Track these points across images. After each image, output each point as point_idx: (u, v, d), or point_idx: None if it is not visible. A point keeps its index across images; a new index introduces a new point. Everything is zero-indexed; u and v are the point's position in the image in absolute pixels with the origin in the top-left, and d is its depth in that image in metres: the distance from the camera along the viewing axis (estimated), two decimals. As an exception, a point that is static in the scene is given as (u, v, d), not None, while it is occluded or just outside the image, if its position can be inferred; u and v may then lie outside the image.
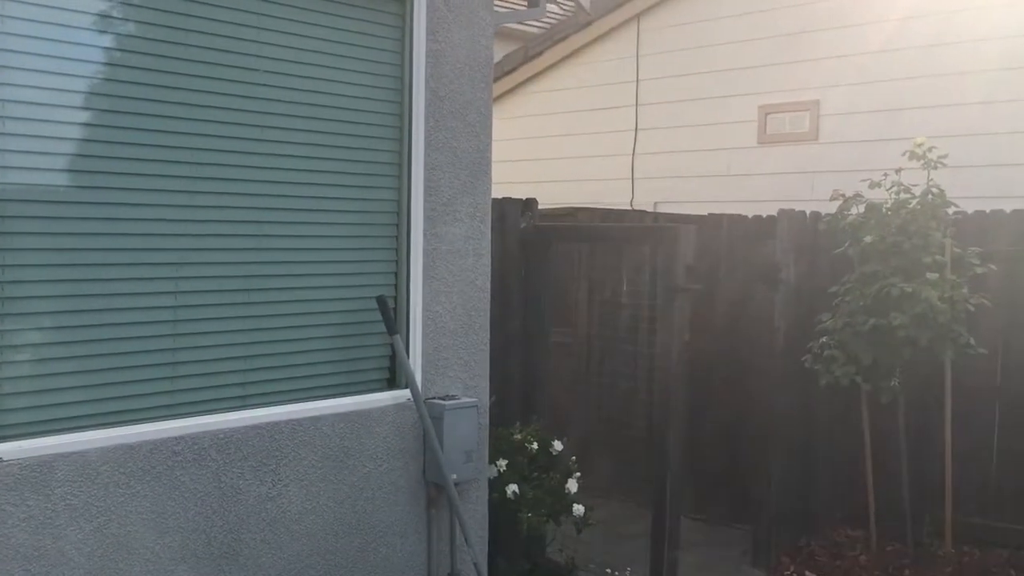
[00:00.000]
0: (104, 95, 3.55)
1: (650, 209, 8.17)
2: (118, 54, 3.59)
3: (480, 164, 4.75)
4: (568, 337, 6.93)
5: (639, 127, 8.77)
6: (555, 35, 9.22)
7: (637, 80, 8.77)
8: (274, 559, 4.00)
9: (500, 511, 5.00)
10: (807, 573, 5.67)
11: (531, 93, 9.59)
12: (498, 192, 6.74)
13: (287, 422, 4.03)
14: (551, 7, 11.27)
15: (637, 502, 6.49)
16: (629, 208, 8.42)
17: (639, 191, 8.72)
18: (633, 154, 8.77)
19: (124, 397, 3.63)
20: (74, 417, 3.49)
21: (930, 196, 5.44)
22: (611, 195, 8.63)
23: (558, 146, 9.29)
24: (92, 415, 3.54)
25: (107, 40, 3.55)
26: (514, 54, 9.44)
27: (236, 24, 3.89)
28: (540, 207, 7.24)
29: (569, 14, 9.78)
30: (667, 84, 8.60)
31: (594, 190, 8.74)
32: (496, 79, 9.40)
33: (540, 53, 9.25)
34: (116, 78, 3.58)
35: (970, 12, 6.98)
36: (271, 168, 4.02)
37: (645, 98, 8.75)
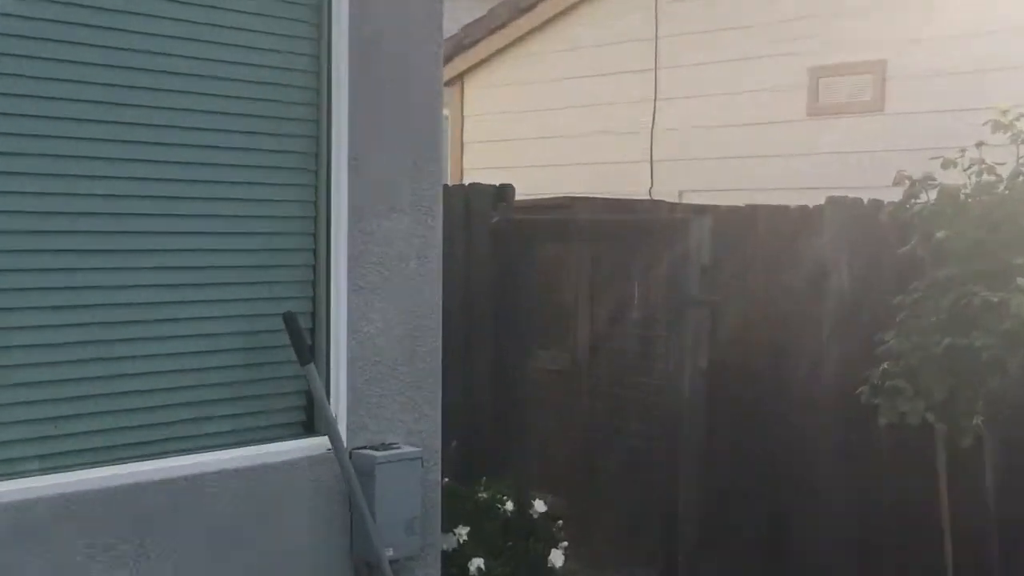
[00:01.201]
0: None
1: (674, 199, 7.78)
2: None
3: (428, 141, 4.44)
4: (558, 362, 6.51)
5: (659, 96, 8.38)
6: (555, -19, 8.86)
7: (656, 37, 8.38)
8: (139, 667, 3.60)
9: (462, 593, 4.66)
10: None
11: (524, 56, 9.23)
12: (480, 178, 6.39)
13: (159, 482, 3.68)
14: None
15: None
16: (646, 198, 8.03)
17: (660, 176, 8.36)
18: (652, 130, 8.40)
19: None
20: None
21: (1021, 177, 5.01)
22: (626, 181, 8.29)
23: (557, 121, 8.93)
24: None
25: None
26: (501, 6, 9.08)
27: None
28: (531, 196, 6.88)
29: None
30: (694, 42, 8.21)
31: (605, 175, 8.40)
32: (480, 38, 9.16)
33: (535, 5, 8.87)
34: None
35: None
36: (129, 141, 3.66)
37: (666, 60, 8.37)
